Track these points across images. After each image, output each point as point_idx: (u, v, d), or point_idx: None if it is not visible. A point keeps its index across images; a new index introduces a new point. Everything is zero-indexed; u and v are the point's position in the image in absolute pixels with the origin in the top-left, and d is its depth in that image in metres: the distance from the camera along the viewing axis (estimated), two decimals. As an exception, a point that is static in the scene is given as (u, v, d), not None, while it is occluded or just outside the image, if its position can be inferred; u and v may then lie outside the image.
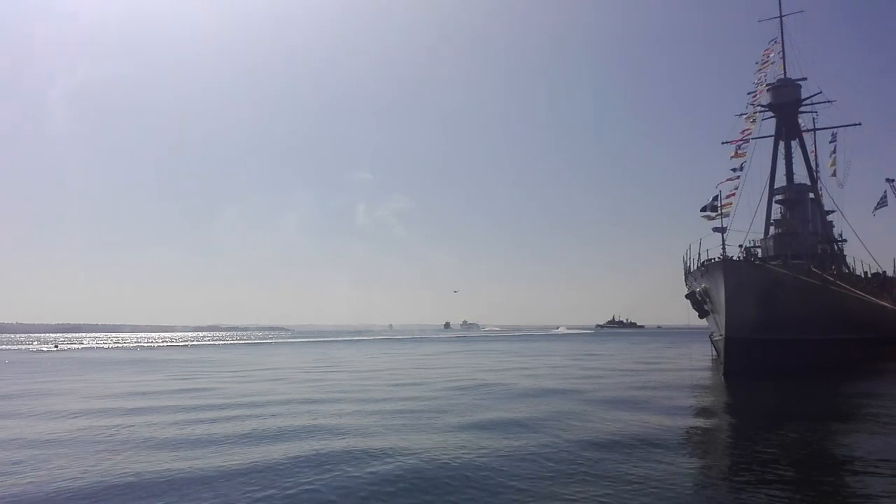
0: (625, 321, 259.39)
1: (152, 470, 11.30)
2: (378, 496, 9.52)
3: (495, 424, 16.00)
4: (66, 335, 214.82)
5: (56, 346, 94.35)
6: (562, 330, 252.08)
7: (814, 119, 51.25)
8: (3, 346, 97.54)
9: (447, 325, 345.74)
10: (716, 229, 32.24)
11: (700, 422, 17.65)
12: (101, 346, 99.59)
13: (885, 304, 43.48)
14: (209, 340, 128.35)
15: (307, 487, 9.99)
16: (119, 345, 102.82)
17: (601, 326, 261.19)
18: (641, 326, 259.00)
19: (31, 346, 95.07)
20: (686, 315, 40.32)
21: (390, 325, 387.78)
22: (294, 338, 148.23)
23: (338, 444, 13.59)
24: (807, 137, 50.41)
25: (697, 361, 44.58)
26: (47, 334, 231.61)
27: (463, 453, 12.40)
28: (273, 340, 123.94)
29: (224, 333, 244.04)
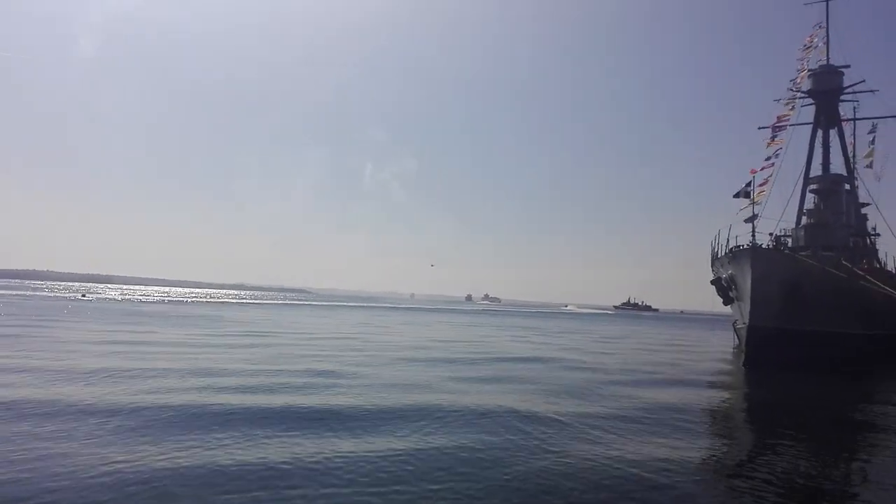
0: (640, 304, 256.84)
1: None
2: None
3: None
4: (96, 285, 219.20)
5: (83, 296, 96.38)
6: (571, 308, 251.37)
7: (854, 108, 49.95)
8: (43, 293, 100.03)
9: (469, 298, 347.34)
10: (747, 220, 31.80)
11: (715, 406, 17.63)
12: (144, 298, 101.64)
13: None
14: (244, 299, 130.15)
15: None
16: (167, 298, 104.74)
17: (617, 308, 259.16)
18: (656, 310, 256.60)
19: (66, 294, 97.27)
20: (710, 301, 40.01)
21: (412, 295, 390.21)
22: (321, 301, 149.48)
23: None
24: (846, 127, 49.15)
25: (718, 348, 44.37)
26: (80, 283, 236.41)
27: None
28: (306, 303, 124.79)
29: (253, 292, 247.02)
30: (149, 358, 21.73)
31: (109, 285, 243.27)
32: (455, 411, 13.91)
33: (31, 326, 34.07)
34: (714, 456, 11.51)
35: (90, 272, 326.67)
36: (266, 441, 10.63)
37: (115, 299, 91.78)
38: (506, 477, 9.20)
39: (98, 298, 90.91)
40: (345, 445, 10.56)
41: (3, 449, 9.55)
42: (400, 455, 10.05)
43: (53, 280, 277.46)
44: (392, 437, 11.35)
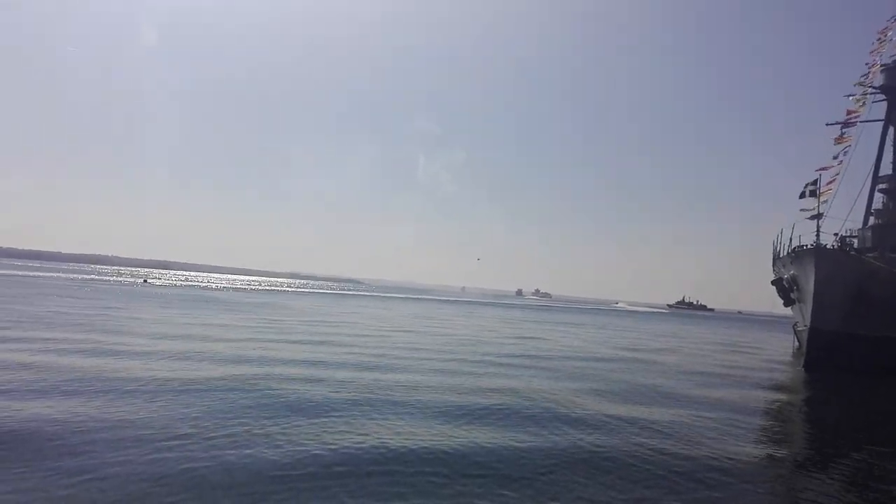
0: (695, 303, 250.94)
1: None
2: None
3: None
4: (157, 270, 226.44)
5: (145, 281, 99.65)
6: (622, 306, 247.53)
7: (929, 105, 47.79)
8: (112, 277, 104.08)
9: (519, 293, 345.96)
10: (811, 217, 30.92)
11: (772, 410, 17.27)
12: (211, 284, 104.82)
13: None
14: (304, 288, 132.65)
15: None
16: (238, 286, 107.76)
17: (671, 306, 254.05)
18: (712, 310, 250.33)
19: (135, 280, 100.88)
20: (770, 302, 39.11)
21: (463, 288, 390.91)
22: (375, 292, 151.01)
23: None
24: (920, 125, 47.11)
25: (778, 350, 43.32)
26: (145, 269, 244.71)
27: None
28: (362, 293, 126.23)
29: (308, 281, 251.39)
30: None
31: (170, 271, 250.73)
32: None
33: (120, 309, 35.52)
34: (765, 462, 11.29)
35: (151, 258, 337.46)
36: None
37: (186, 285, 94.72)
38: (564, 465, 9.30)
39: (168, 284, 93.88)
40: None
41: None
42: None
43: (117, 265, 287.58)
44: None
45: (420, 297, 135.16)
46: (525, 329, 46.89)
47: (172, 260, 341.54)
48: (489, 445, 10.32)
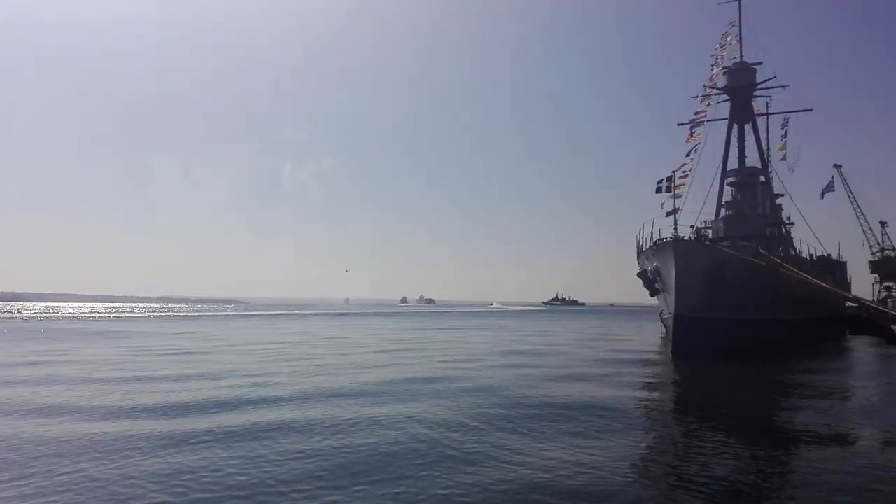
0: (567, 298, 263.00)
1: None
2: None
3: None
4: (8, 303, 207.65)
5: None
6: (496, 306, 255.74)
7: (767, 103, 52.05)
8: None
9: (404, 300, 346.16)
10: (669, 213, 32.63)
11: (646, 395, 17.78)
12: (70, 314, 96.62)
13: (828, 286, 44.68)
14: (177, 311, 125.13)
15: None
16: (90, 314, 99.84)
17: (546, 303, 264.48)
18: (583, 304, 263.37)
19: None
20: (638, 293, 40.92)
21: (346, 300, 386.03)
22: (257, 311, 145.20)
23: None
24: (760, 122, 51.15)
25: (647, 338, 45.35)
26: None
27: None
28: (245, 313, 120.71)
29: (183, 304, 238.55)
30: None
31: (23, 303, 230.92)
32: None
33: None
34: (636, 449, 11.49)
35: (2, 290, 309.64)
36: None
37: (41, 317, 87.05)
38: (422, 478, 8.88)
39: (21, 317, 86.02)
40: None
41: None
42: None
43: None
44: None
45: (303, 312, 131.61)
46: (404, 337, 46.49)
47: (25, 290, 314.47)
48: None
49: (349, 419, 13.20)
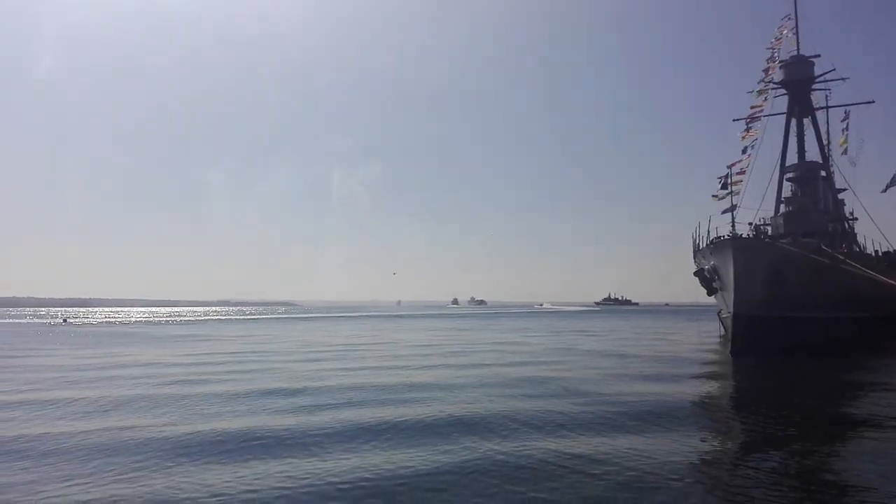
0: (620, 298, 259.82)
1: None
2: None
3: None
4: (75, 309, 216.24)
5: (64, 321, 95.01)
6: (546, 307, 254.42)
7: (826, 97, 50.65)
8: (31, 319, 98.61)
9: (455, 302, 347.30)
10: (726, 210, 32.31)
11: (706, 397, 17.81)
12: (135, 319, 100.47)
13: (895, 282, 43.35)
14: (236, 315, 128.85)
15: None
16: (153, 318, 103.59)
17: (598, 304, 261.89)
18: (636, 304, 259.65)
19: (51, 320, 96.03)
20: (694, 293, 40.40)
21: (398, 302, 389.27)
22: (315, 313, 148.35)
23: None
24: (819, 115, 49.82)
25: (705, 337, 44.77)
26: (60, 308, 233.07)
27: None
28: (306, 315, 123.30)
29: (242, 308, 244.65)
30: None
31: (92, 308, 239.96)
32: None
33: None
34: (702, 447, 11.63)
35: (70, 296, 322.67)
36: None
37: (108, 321, 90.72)
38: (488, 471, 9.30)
39: (90, 322, 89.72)
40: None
41: None
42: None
43: (34, 306, 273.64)
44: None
45: (358, 314, 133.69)
46: (454, 337, 46.99)
47: (93, 297, 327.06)
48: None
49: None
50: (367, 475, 9.28)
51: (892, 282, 40.14)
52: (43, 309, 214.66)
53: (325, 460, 10.16)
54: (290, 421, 13.47)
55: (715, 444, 11.94)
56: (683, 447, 11.08)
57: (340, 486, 8.78)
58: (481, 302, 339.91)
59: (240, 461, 10.20)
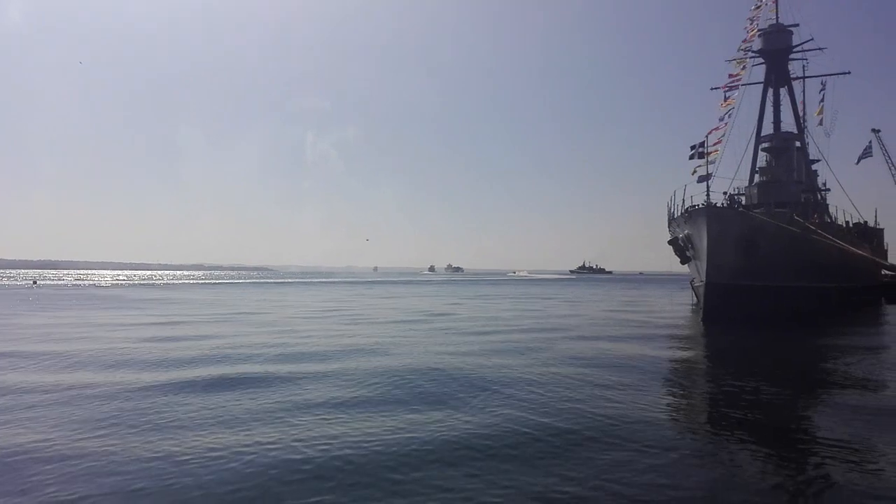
0: (594, 267, 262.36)
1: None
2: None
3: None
4: (46, 271, 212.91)
5: (34, 282, 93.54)
6: (523, 274, 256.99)
7: (804, 66, 50.67)
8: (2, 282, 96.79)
9: (432, 269, 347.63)
10: (701, 178, 32.35)
11: (676, 359, 17.97)
12: (100, 282, 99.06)
13: (865, 253, 44.04)
14: (211, 280, 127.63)
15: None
16: (121, 281, 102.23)
17: (573, 272, 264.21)
18: (610, 272, 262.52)
19: (20, 282, 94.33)
20: (668, 261, 40.83)
21: (375, 268, 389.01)
22: (291, 279, 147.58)
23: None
24: (796, 85, 49.98)
25: (677, 308, 45.25)
26: (28, 270, 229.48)
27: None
28: (282, 281, 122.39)
29: (217, 272, 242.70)
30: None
31: (63, 271, 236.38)
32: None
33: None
34: (673, 404, 11.84)
35: (41, 258, 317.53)
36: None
37: (81, 284, 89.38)
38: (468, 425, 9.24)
39: (61, 284, 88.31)
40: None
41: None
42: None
43: (4, 268, 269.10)
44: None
45: (332, 280, 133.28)
46: (436, 305, 47.04)
47: (65, 259, 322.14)
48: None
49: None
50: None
51: (863, 252, 40.80)
52: (12, 271, 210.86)
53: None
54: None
55: (682, 398, 12.14)
56: (652, 402, 11.32)
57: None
58: (458, 269, 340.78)
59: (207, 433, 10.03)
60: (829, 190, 52.09)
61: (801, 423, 10.35)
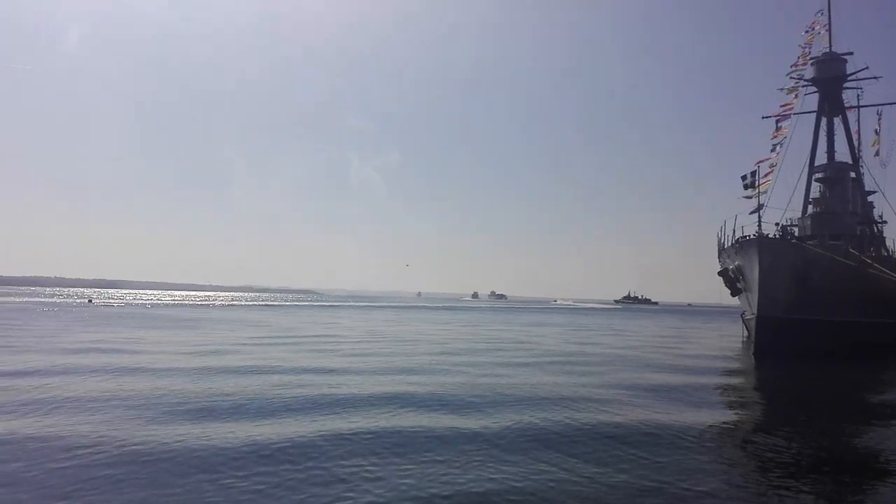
0: (640, 297, 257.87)
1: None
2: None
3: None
4: (101, 290, 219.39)
5: (89, 301, 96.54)
6: (567, 303, 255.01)
7: (858, 95, 49.65)
8: (59, 300, 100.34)
9: (475, 295, 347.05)
10: (753, 211, 31.98)
11: (726, 395, 17.74)
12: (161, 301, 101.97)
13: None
14: (262, 301, 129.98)
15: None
16: (183, 301, 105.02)
17: (618, 302, 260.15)
18: (656, 303, 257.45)
19: (81, 301, 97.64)
20: (718, 293, 40.03)
21: (419, 293, 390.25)
22: (335, 301, 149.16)
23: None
24: (850, 115, 48.97)
25: (728, 340, 44.38)
26: (85, 289, 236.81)
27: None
28: (328, 304, 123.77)
29: (264, 294, 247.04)
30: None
31: (118, 290, 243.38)
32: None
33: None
34: (718, 427, 11.74)
35: (96, 277, 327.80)
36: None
37: (135, 303, 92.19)
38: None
39: (116, 303, 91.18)
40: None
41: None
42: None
43: (62, 286, 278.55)
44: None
45: (381, 304, 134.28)
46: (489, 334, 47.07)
47: (120, 279, 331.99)
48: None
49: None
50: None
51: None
52: (70, 289, 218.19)
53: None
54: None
55: (731, 425, 12.11)
56: (698, 424, 11.41)
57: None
58: (501, 296, 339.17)
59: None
60: (885, 223, 50.59)
61: (860, 455, 10.14)
